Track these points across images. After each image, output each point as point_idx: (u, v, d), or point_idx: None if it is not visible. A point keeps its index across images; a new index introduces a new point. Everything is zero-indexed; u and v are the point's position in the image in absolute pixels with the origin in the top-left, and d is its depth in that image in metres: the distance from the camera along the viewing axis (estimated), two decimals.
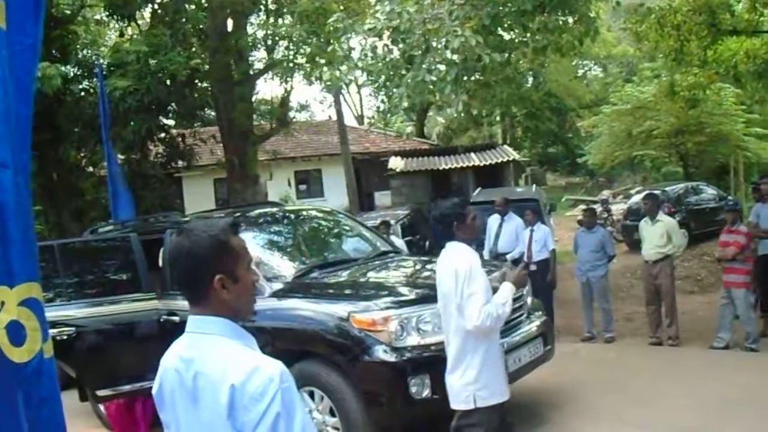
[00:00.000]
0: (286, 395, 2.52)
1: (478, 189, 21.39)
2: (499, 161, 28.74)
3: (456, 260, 5.66)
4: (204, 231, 2.78)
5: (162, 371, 2.82)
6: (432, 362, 6.90)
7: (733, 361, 10.75)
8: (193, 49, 20.95)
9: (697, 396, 8.86)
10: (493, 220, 14.52)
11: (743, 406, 8.45)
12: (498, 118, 48.81)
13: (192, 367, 2.67)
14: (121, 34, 21.33)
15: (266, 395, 2.49)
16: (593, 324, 13.11)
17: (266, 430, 2.48)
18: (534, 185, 26.44)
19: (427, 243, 16.35)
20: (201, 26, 20.94)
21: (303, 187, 38.15)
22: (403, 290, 7.39)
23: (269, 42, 21.94)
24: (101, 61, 19.01)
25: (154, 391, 2.85)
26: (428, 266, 8.97)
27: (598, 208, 24.96)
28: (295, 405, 2.54)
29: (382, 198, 32.10)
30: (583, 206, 19.86)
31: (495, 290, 5.67)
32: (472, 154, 29.40)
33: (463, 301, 5.52)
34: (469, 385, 5.59)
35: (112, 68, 18.16)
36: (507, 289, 5.72)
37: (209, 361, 2.64)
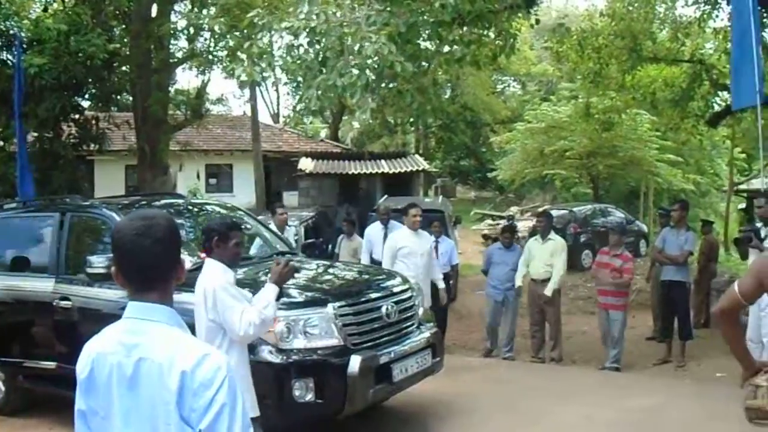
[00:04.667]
0: (231, 383, 2.58)
1: (385, 196, 21.49)
2: (409, 170, 28.97)
3: (205, 279, 5.75)
4: (167, 219, 2.80)
5: (93, 356, 2.75)
6: (317, 366, 6.92)
7: (625, 383, 10.92)
8: (116, 32, 20.68)
9: (587, 417, 8.87)
10: (374, 228, 13.56)
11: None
12: (411, 128, 49.13)
13: (135, 353, 2.65)
14: (45, 9, 20.92)
15: (215, 382, 2.55)
16: (497, 341, 13.08)
17: (213, 416, 2.52)
18: (441, 197, 26.61)
19: (329, 246, 16.30)
20: (125, 9, 20.71)
21: (213, 181, 38.07)
22: (293, 292, 7.28)
23: (191, 32, 21.74)
24: (21, 34, 18.68)
25: (81, 377, 2.78)
26: (325, 270, 8.99)
27: (504, 223, 25.19)
28: (236, 393, 2.59)
29: (290, 198, 32.00)
30: (489, 221, 20.03)
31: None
32: (382, 161, 29.55)
33: (220, 318, 5.59)
34: None
35: (33, 43, 17.86)
36: (268, 291, 5.78)
37: (156, 347, 2.63)
